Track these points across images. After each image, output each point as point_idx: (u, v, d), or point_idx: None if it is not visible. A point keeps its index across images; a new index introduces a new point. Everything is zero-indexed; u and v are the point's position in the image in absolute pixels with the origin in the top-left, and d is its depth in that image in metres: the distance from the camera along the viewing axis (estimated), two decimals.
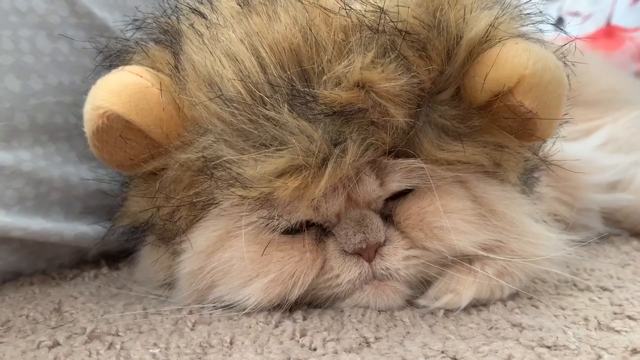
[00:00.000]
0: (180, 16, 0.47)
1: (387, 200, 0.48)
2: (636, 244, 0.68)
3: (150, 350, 0.42)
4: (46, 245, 0.61)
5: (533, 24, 0.47)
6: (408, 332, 0.44)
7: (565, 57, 0.47)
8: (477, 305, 0.49)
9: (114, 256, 0.67)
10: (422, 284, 0.49)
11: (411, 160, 0.45)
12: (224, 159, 0.43)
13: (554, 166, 0.56)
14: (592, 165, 0.70)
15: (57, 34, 0.61)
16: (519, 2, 0.47)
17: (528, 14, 0.47)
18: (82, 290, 0.57)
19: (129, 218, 0.52)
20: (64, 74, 0.62)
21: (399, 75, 0.41)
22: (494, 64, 0.42)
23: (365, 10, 0.41)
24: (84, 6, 0.62)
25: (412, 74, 0.41)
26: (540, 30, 0.47)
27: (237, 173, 0.42)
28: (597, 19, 1.44)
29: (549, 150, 0.53)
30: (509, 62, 0.42)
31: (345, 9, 0.41)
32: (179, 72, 0.45)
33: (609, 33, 1.35)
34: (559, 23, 1.38)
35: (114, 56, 0.50)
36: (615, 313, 0.47)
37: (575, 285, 0.54)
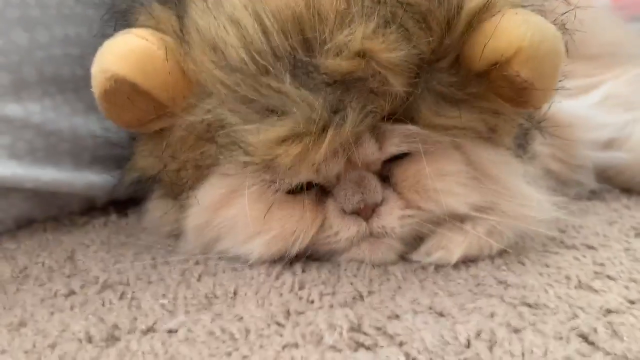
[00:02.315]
0: None
1: (385, 162, 0.50)
2: (626, 201, 0.70)
3: (160, 301, 0.45)
4: (57, 194, 0.63)
5: None
6: (399, 287, 0.47)
7: (565, 25, 0.48)
8: (467, 261, 0.52)
9: (123, 203, 0.69)
10: (416, 241, 0.52)
11: (409, 126, 0.47)
12: (227, 123, 0.44)
13: (549, 123, 0.57)
14: (588, 123, 0.71)
15: None
16: None
17: None
18: (94, 239, 0.60)
19: (136, 172, 0.55)
20: (70, 26, 0.62)
21: (400, 45, 0.42)
22: (492, 34, 0.43)
23: None
24: None
25: (412, 44, 0.42)
26: None
27: (240, 140, 0.44)
28: None
29: (544, 114, 0.55)
30: (507, 33, 0.43)
31: None
32: (183, 35, 0.46)
33: None
34: None
35: (119, 15, 0.51)
36: (596, 272, 0.49)
37: (562, 242, 0.57)
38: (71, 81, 0.63)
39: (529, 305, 0.44)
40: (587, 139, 0.71)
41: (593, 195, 0.72)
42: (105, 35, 0.50)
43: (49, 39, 0.61)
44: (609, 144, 0.73)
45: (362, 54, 0.42)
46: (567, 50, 0.47)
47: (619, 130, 0.73)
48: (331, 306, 0.44)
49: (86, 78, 0.48)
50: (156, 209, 0.57)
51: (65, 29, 0.62)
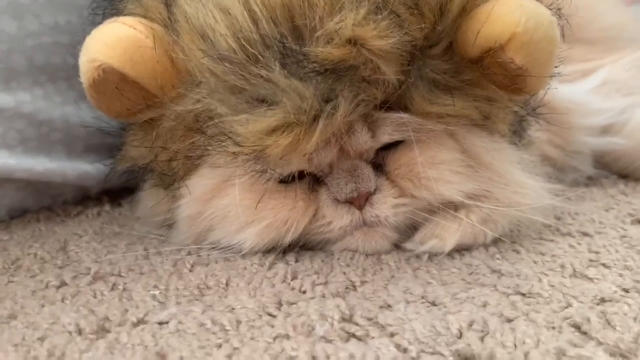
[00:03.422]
0: None
1: (378, 150, 0.49)
2: (622, 187, 0.69)
3: (151, 292, 0.45)
4: (50, 184, 0.63)
5: None
6: (393, 276, 0.47)
7: (560, 10, 0.47)
8: (461, 250, 0.51)
9: (116, 193, 0.69)
10: (410, 229, 0.52)
11: (402, 114, 0.46)
12: (216, 113, 0.44)
13: (545, 109, 0.57)
14: (586, 108, 0.71)
15: None
16: None
17: None
18: (86, 229, 0.60)
19: (128, 162, 0.54)
20: (59, 13, 0.61)
21: (391, 32, 0.41)
22: (486, 20, 0.43)
23: None
24: None
25: (404, 31, 0.42)
26: None
27: (229, 130, 0.43)
28: None
29: (540, 100, 0.54)
30: (501, 19, 0.42)
31: None
32: (172, 23, 0.46)
33: None
34: None
35: (107, 3, 0.50)
36: (591, 260, 0.49)
37: (558, 229, 0.56)
38: (62, 69, 0.63)
39: (522, 295, 0.43)
40: (584, 125, 0.70)
41: (590, 181, 0.72)
42: (94, 23, 0.50)
43: (38, 26, 0.60)
44: (606, 130, 0.72)
45: (353, 42, 0.41)
46: (562, 35, 0.46)
47: (616, 115, 0.72)
48: (323, 296, 0.43)
49: (77, 66, 0.47)
50: (148, 199, 0.57)
51: (55, 16, 0.61)
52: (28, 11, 0.59)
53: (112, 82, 0.45)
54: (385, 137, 0.48)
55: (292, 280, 0.46)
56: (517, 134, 0.55)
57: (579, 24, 0.78)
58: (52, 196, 0.66)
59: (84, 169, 0.64)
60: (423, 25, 0.42)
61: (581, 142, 0.70)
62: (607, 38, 0.84)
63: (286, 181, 0.49)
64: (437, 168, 0.49)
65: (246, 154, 0.45)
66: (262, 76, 0.42)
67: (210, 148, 0.46)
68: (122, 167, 0.56)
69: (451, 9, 0.43)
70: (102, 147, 0.65)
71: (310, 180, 0.49)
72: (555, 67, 0.47)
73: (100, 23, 0.49)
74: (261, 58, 0.41)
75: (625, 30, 0.88)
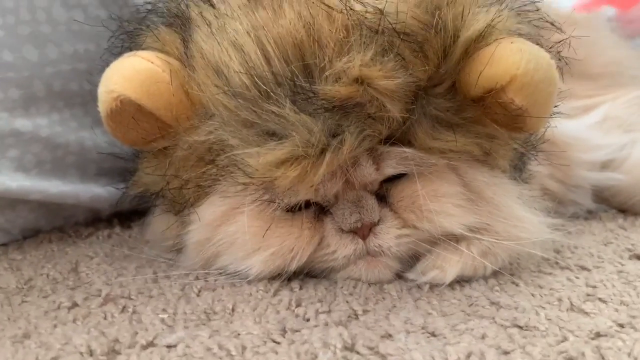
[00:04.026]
0: (190, 3, 0.49)
1: (382, 182, 0.51)
2: (621, 222, 0.70)
3: (160, 316, 0.46)
4: (63, 206, 0.65)
5: (530, 20, 0.49)
6: (394, 306, 0.48)
7: (560, 52, 0.49)
8: (461, 281, 0.53)
9: (127, 215, 0.71)
10: (412, 259, 0.53)
11: (406, 149, 0.48)
12: (227, 145, 0.46)
13: (547, 145, 0.59)
14: (586, 144, 0.72)
15: (72, 3, 0.63)
16: None
17: (526, 10, 0.48)
18: (97, 251, 0.61)
19: (140, 187, 0.56)
20: (78, 42, 0.64)
21: (397, 73, 0.43)
22: (488, 62, 0.44)
23: (366, 12, 0.43)
24: None
25: (409, 72, 0.44)
26: (537, 27, 0.49)
27: (240, 162, 0.45)
28: None
29: (540, 138, 0.56)
30: (502, 61, 0.44)
31: (346, 9, 0.42)
32: (188, 58, 0.48)
33: None
34: None
35: (126, 37, 0.53)
36: (588, 295, 0.50)
37: (557, 263, 0.58)
38: (79, 95, 0.65)
39: (520, 327, 0.44)
40: (585, 160, 0.72)
41: (590, 214, 0.73)
42: (113, 53, 0.52)
43: (58, 54, 0.62)
44: (606, 165, 0.74)
45: (360, 81, 0.43)
46: (561, 76, 0.48)
47: (616, 151, 0.74)
48: (326, 324, 0.45)
49: (93, 92, 0.49)
50: (158, 223, 0.59)
51: (74, 45, 0.63)
52: (49, 40, 0.61)
53: (128, 112, 0.47)
54: (389, 170, 0.49)
55: (296, 307, 0.48)
56: (518, 168, 0.56)
57: (581, 58, 0.81)
58: (64, 217, 0.67)
59: (96, 191, 0.66)
60: (427, 67, 0.44)
61: (581, 176, 0.71)
62: (609, 74, 0.86)
63: (293, 210, 0.50)
64: (439, 201, 0.50)
65: (256, 185, 0.46)
66: (273, 112, 0.44)
67: (221, 178, 0.48)
68: (134, 192, 0.57)
69: (454, 52, 0.45)
70: (114, 171, 0.67)
71: (316, 210, 0.51)
72: (555, 106, 0.49)
73: (118, 53, 0.51)
74: (273, 95, 0.43)
75: (626, 67, 0.90)
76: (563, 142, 0.69)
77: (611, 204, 0.74)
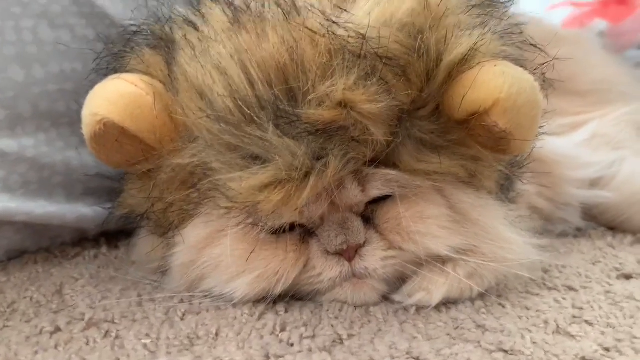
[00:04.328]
0: (174, 25, 0.49)
1: (367, 203, 0.51)
2: (610, 240, 0.70)
3: (142, 341, 0.46)
4: (49, 226, 0.64)
5: (514, 43, 0.49)
6: (380, 330, 0.48)
7: (544, 74, 0.49)
8: (447, 303, 0.52)
9: (114, 234, 0.71)
10: (398, 281, 0.53)
11: (391, 171, 0.48)
12: (210, 168, 0.46)
13: (535, 162, 0.59)
14: (575, 161, 0.73)
15: (58, 23, 0.63)
16: (501, 21, 0.49)
17: (510, 33, 0.49)
18: (83, 272, 0.61)
19: (126, 209, 0.56)
20: (65, 61, 0.64)
21: (380, 97, 0.43)
22: (471, 86, 0.45)
23: (348, 36, 0.43)
24: None
25: (392, 96, 0.44)
26: (521, 49, 0.49)
27: (223, 186, 0.45)
28: None
29: (526, 159, 0.56)
30: (485, 85, 0.44)
31: (328, 34, 0.43)
32: (172, 81, 0.48)
33: None
34: None
35: (111, 58, 0.53)
36: (574, 317, 0.50)
37: (544, 283, 0.57)
38: (65, 115, 0.64)
39: (505, 352, 0.44)
40: (573, 177, 0.72)
41: (579, 232, 0.73)
42: (99, 74, 0.52)
43: (44, 75, 0.62)
44: (595, 183, 0.74)
45: (343, 104, 0.43)
46: (546, 97, 0.48)
47: (605, 169, 0.74)
48: (310, 350, 0.44)
49: (80, 112, 0.49)
50: (144, 245, 0.58)
51: (61, 65, 0.63)
52: (36, 60, 0.61)
53: (112, 135, 0.47)
54: (374, 192, 0.49)
55: (280, 332, 0.47)
56: (505, 188, 0.56)
57: (570, 75, 0.81)
58: (50, 238, 0.67)
59: (82, 212, 0.66)
60: (410, 91, 0.44)
61: (570, 194, 0.71)
62: (597, 91, 0.86)
63: (278, 232, 0.50)
64: (424, 222, 0.50)
65: (239, 209, 0.46)
66: (256, 136, 0.43)
67: (204, 202, 0.48)
68: (120, 213, 0.57)
69: (438, 75, 0.45)
70: (101, 191, 0.67)
71: (301, 232, 0.51)
72: (541, 127, 0.49)
73: (105, 74, 0.51)
74: (256, 119, 0.43)
75: (615, 84, 0.90)
76: (551, 160, 0.69)
77: (600, 222, 0.74)
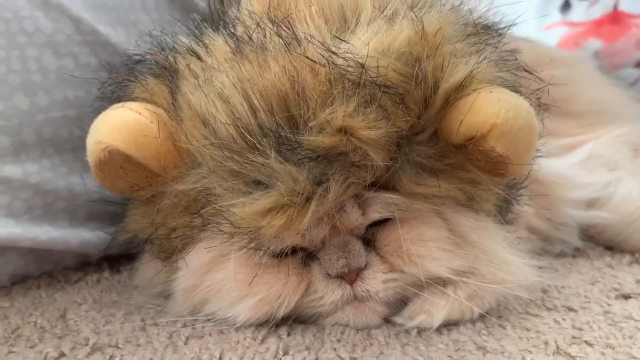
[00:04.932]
0: (177, 55, 0.50)
1: (368, 226, 0.51)
2: (609, 260, 0.71)
3: None
4: (52, 251, 0.65)
5: (509, 69, 0.50)
6: (382, 352, 0.48)
7: (539, 99, 0.51)
8: (449, 325, 0.53)
9: (116, 259, 0.71)
10: (399, 303, 0.53)
11: (391, 194, 0.49)
12: (214, 194, 0.47)
13: (533, 184, 0.60)
14: (571, 182, 0.74)
15: (62, 51, 0.64)
16: (496, 48, 0.50)
17: (505, 60, 0.50)
18: (86, 297, 0.61)
19: (129, 234, 0.57)
20: (69, 89, 0.65)
21: (379, 124, 0.44)
22: (468, 111, 0.46)
23: (348, 65, 0.44)
24: (89, 24, 0.65)
25: (391, 122, 0.45)
26: (516, 75, 0.50)
27: (226, 212, 0.46)
28: (604, 3, 1.43)
29: (523, 181, 0.57)
30: (482, 111, 0.45)
31: (328, 64, 0.44)
32: (175, 109, 0.49)
33: (615, 19, 1.34)
34: (565, 8, 1.38)
35: (115, 86, 0.54)
36: (574, 337, 0.51)
37: (544, 304, 0.58)
38: (69, 141, 0.65)
39: None
40: (570, 198, 0.73)
41: (577, 252, 0.74)
42: (103, 99, 0.53)
43: (48, 102, 0.63)
44: (592, 203, 0.74)
45: (343, 131, 0.44)
46: (541, 122, 0.49)
47: (601, 189, 0.75)
48: None
49: (83, 138, 0.50)
50: (147, 269, 0.59)
51: (64, 92, 0.64)
52: (40, 88, 0.62)
53: (117, 162, 0.48)
54: (375, 215, 0.50)
55: (283, 355, 0.48)
56: (503, 210, 0.57)
57: (565, 97, 0.83)
58: (53, 262, 0.67)
59: (85, 237, 0.66)
60: (408, 117, 0.45)
61: (567, 214, 0.72)
62: (592, 112, 0.88)
63: (280, 256, 0.51)
64: (424, 245, 0.51)
65: (242, 234, 0.47)
66: (259, 162, 0.44)
67: (207, 227, 0.49)
68: (123, 238, 0.58)
69: (435, 102, 0.46)
70: (104, 215, 0.67)
71: (303, 256, 0.51)
72: (537, 150, 0.50)
73: (109, 101, 0.52)
74: (259, 146, 0.44)
75: (610, 105, 0.91)
76: (549, 181, 0.70)
77: (598, 242, 0.75)
